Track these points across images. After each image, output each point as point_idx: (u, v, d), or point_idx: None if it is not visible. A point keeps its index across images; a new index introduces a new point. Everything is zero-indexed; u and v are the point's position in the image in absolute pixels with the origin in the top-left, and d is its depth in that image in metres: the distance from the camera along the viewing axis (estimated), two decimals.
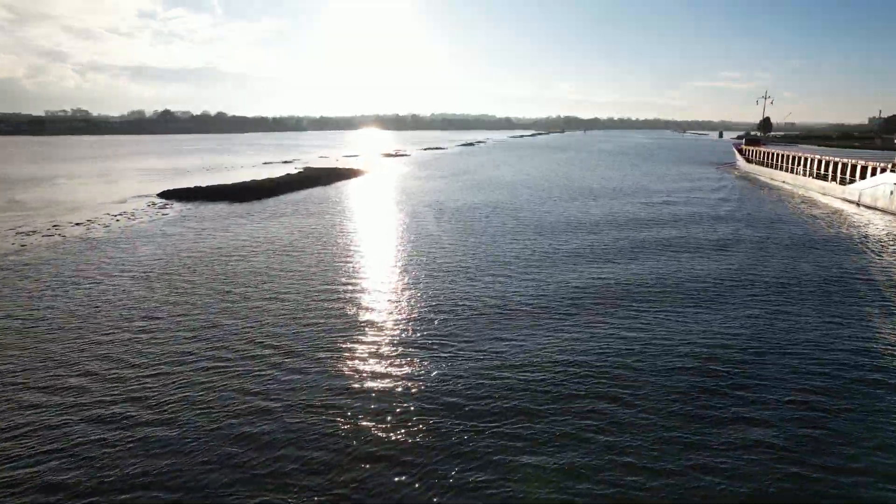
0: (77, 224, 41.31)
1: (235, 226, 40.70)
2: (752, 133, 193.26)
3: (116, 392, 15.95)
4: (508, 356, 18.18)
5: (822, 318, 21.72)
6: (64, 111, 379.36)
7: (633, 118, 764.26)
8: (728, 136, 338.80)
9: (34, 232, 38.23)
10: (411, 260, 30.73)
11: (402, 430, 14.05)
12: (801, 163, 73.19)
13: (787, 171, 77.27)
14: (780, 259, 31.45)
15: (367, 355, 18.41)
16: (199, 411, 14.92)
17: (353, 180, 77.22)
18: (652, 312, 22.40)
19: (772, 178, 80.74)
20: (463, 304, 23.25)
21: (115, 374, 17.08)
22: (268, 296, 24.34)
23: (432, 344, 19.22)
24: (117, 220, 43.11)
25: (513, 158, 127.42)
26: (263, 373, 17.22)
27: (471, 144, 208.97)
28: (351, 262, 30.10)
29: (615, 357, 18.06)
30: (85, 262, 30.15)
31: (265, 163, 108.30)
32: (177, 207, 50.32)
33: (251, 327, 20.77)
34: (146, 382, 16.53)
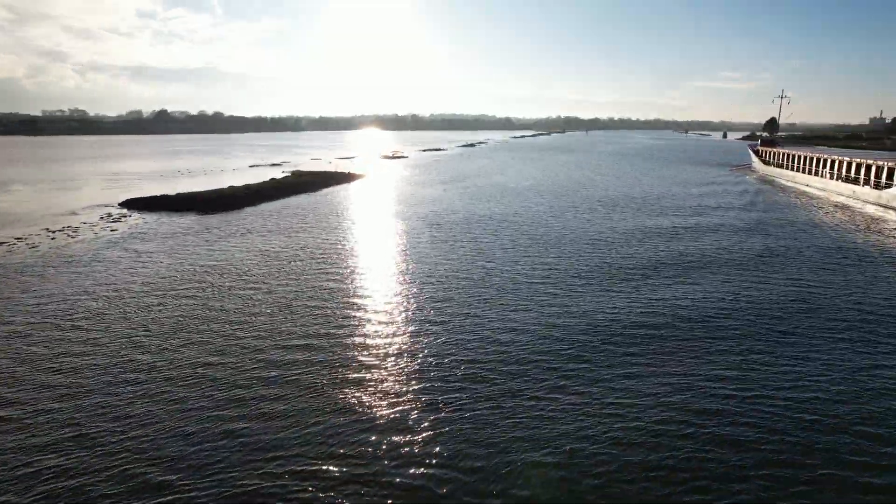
0: (0, 244, 34.35)
1: (185, 247, 33.50)
2: (759, 133, 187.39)
3: None
4: (537, 479, 11.26)
5: None
6: (61, 111, 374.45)
7: (634, 118, 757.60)
8: (732, 136, 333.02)
9: None
10: (401, 298, 23.75)
11: None
12: (826, 165, 67.49)
13: (808, 173, 72.03)
14: (848, 284, 26.17)
15: (326, 475, 11.44)
16: None
17: (343, 186, 70.07)
18: (721, 361, 16.58)
19: (794, 182, 75.11)
20: (468, 367, 16.51)
21: None
22: (197, 360, 17.35)
23: (424, 450, 12.28)
24: (53, 238, 36.11)
25: (516, 161, 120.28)
26: None
27: (471, 145, 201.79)
28: (319, 304, 23.07)
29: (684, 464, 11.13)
30: None
31: (251, 165, 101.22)
32: (132, 220, 43.29)
33: (159, 420, 13.85)
34: None
